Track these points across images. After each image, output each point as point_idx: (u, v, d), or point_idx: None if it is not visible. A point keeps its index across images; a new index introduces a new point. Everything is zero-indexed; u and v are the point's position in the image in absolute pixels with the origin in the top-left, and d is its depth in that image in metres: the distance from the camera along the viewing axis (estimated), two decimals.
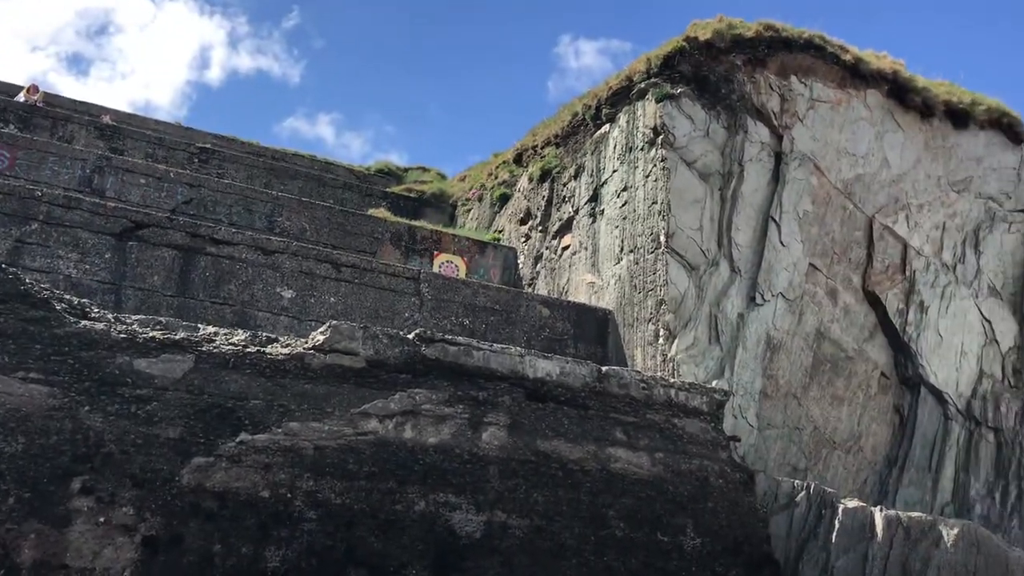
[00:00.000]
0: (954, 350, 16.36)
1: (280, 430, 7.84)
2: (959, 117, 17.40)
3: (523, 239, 17.36)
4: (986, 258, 17.35)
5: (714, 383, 12.32)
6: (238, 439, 7.60)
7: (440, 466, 8.46)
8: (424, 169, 23.82)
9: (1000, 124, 18.11)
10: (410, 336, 9.06)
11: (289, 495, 7.66)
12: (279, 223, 14.58)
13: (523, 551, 8.49)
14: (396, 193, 20.40)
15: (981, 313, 16.96)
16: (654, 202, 13.81)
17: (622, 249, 14.37)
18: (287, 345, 8.50)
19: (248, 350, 8.18)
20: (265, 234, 13.06)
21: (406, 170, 23.51)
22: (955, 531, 11.27)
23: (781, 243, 14.40)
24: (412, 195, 20.65)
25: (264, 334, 8.67)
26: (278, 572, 7.35)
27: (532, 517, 8.69)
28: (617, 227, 14.59)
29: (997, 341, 17.05)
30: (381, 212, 17.14)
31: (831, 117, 15.53)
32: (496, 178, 19.29)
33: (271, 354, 8.28)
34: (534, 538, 8.61)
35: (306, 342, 8.60)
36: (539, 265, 16.65)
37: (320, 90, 78.62)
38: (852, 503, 11.33)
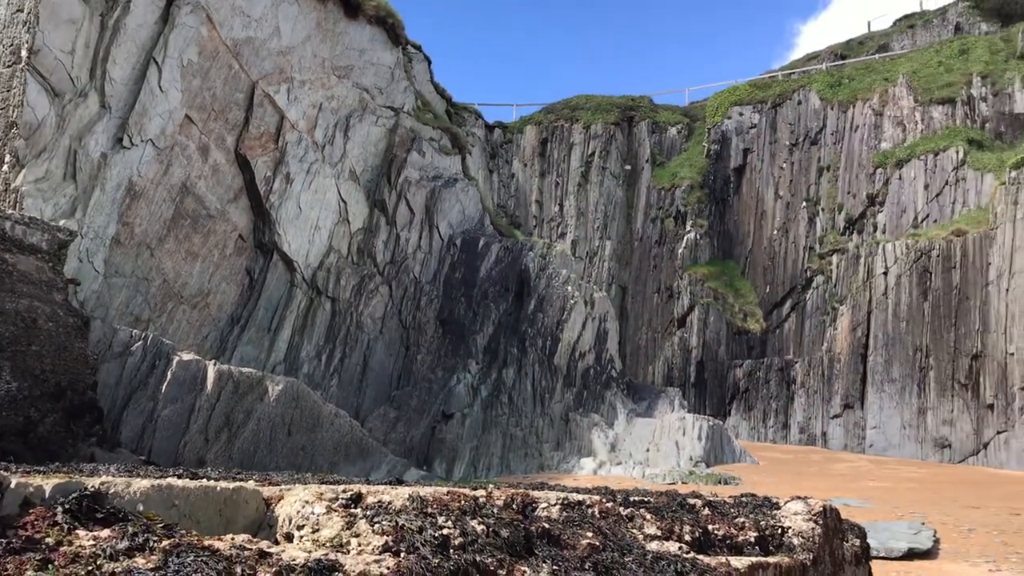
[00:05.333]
0: (311, 224, 17.55)
1: None
2: (351, 7, 18.36)
3: None
4: (352, 144, 18.83)
5: (62, 222, 11.41)
6: None
7: None
8: None
9: (385, 23, 19.60)
10: None
11: None
12: None
13: None
14: None
15: (340, 194, 18.43)
16: (19, 10, 12.04)
17: None
18: None
19: None
20: None
21: None
22: (280, 387, 12.29)
23: (160, 88, 13.75)
24: None
25: None
26: None
27: None
28: None
29: (349, 221, 18.75)
30: None
31: None
32: None
33: None
34: None
35: None
36: None
37: None
38: (188, 356, 11.59)
